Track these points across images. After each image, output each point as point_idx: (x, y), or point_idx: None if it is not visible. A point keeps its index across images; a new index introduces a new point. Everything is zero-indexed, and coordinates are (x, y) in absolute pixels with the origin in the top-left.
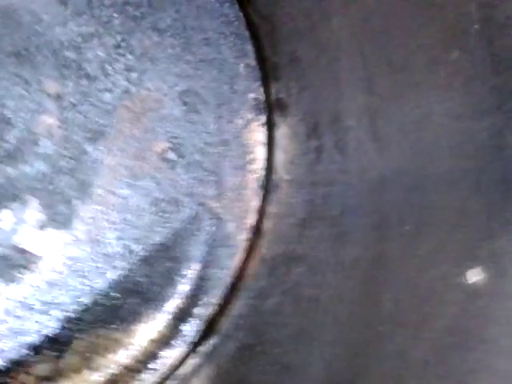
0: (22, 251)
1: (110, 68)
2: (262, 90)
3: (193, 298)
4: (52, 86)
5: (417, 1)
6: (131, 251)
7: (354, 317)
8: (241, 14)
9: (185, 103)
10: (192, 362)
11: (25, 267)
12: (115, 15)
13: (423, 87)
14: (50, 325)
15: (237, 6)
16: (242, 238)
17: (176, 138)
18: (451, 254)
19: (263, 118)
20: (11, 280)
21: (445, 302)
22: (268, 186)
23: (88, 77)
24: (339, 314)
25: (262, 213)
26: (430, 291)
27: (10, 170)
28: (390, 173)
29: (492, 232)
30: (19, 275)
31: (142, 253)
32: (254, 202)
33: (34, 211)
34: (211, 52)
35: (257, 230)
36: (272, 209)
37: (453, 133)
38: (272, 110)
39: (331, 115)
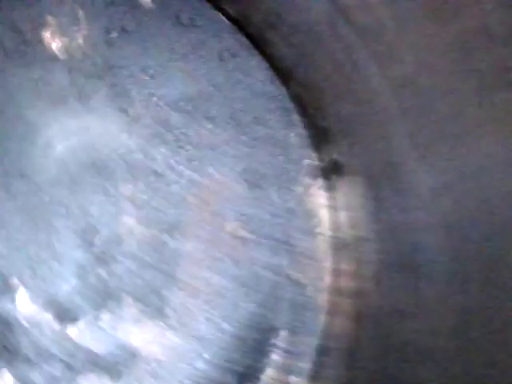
0: (123, 347)
1: (173, 161)
2: (314, 154)
3: (285, 367)
4: (126, 188)
5: (456, 54)
6: (221, 329)
7: (451, 362)
8: (283, 88)
9: (246, 181)
10: None
11: (127, 362)
12: (171, 113)
13: (473, 135)
14: None
15: (278, 81)
16: (323, 299)
17: (244, 215)
18: None
19: (321, 181)
20: (118, 376)
21: None
22: (337, 244)
23: (156, 173)
24: (435, 357)
25: (336, 272)
26: None
27: (101, 272)
28: (453, 217)
29: None
30: (124, 369)
31: (231, 329)
32: (327, 263)
33: (128, 307)
34: (261, 129)
35: (335, 290)
36: (345, 266)
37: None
38: (327, 171)
39: (385, 164)
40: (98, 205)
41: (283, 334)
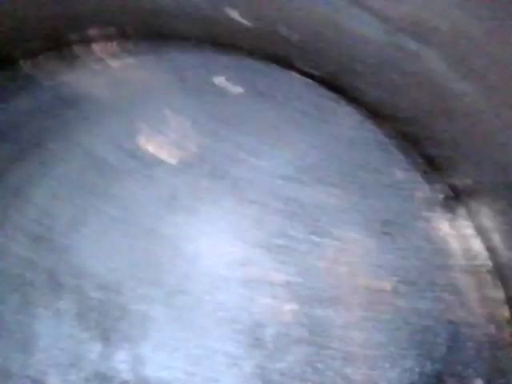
0: None
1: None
2: (427, 186)
3: None
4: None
5: None
6: None
7: None
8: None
9: (385, 233)
10: None
11: None
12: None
13: None
14: None
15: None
16: (506, 334)
17: (399, 270)
18: None
19: (440, 211)
20: None
21: None
22: (500, 274)
23: None
24: None
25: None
26: None
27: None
28: None
29: None
30: None
31: None
32: (498, 294)
33: None
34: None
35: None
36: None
37: None
38: (444, 199)
39: (503, 181)
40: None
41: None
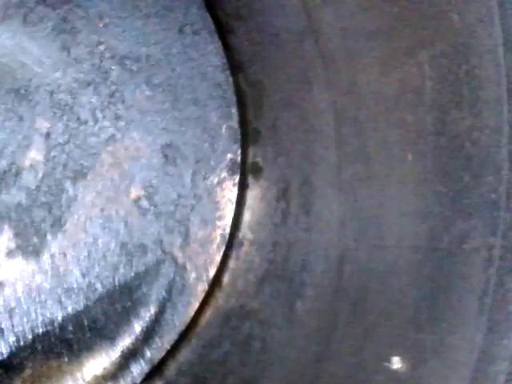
0: None
1: (100, 115)
2: (239, 151)
3: (145, 340)
4: (43, 125)
5: (395, 101)
6: (94, 289)
7: (302, 365)
8: (230, 79)
9: (165, 156)
10: None
11: None
12: (113, 67)
13: (379, 179)
14: (3, 350)
15: (228, 72)
16: (201, 288)
17: (151, 187)
18: (383, 336)
19: (237, 179)
20: None
21: (371, 380)
22: (232, 242)
23: (78, 120)
24: (287, 361)
25: (222, 267)
26: (361, 367)
27: None
28: (348, 244)
29: (418, 325)
30: None
31: (103, 291)
32: (217, 256)
33: (6, 239)
34: (197, 111)
35: (215, 283)
36: (233, 264)
37: (400, 227)
38: (246, 171)
39: (301, 181)
40: (7, 131)
41: (152, 309)
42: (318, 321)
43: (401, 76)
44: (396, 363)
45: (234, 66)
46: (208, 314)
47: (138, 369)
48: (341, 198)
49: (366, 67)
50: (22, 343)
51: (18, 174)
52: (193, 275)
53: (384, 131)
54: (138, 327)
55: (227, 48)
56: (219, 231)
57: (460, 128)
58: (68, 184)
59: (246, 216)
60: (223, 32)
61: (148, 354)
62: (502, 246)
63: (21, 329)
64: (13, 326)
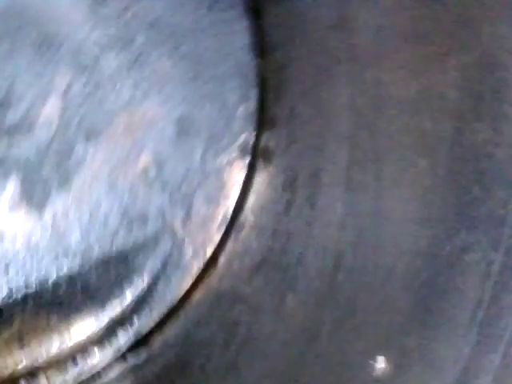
0: None
1: (119, 80)
2: (253, 134)
3: (135, 309)
4: (62, 83)
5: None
6: (91, 252)
7: (285, 359)
8: (254, 61)
9: (179, 128)
10: (119, 368)
11: None
12: (139, 34)
13: (388, 182)
14: None
15: (253, 53)
16: (196, 266)
17: (161, 158)
18: (370, 336)
19: (247, 161)
20: None
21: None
22: (234, 224)
23: (97, 83)
24: (271, 354)
25: (220, 247)
26: (346, 368)
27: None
28: (347, 243)
29: (407, 329)
30: None
31: (100, 256)
32: (217, 236)
33: (11, 191)
34: (217, 88)
35: (211, 262)
36: (231, 246)
37: (402, 231)
38: (257, 155)
39: (310, 174)
40: (25, 84)
41: (146, 280)
42: (305, 317)
43: (426, 81)
44: (380, 362)
45: (260, 49)
46: (200, 292)
47: (125, 337)
48: (346, 196)
49: (392, 68)
50: (14, 297)
51: (30, 129)
52: (190, 251)
53: (400, 134)
54: (129, 296)
55: (255, 30)
56: (222, 211)
57: (477, 140)
58: (79, 145)
59: (251, 200)
60: (253, 13)
61: (136, 324)
62: (502, 262)
63: (15, 282)
64: (8, 278)
